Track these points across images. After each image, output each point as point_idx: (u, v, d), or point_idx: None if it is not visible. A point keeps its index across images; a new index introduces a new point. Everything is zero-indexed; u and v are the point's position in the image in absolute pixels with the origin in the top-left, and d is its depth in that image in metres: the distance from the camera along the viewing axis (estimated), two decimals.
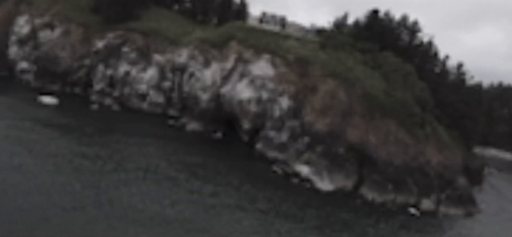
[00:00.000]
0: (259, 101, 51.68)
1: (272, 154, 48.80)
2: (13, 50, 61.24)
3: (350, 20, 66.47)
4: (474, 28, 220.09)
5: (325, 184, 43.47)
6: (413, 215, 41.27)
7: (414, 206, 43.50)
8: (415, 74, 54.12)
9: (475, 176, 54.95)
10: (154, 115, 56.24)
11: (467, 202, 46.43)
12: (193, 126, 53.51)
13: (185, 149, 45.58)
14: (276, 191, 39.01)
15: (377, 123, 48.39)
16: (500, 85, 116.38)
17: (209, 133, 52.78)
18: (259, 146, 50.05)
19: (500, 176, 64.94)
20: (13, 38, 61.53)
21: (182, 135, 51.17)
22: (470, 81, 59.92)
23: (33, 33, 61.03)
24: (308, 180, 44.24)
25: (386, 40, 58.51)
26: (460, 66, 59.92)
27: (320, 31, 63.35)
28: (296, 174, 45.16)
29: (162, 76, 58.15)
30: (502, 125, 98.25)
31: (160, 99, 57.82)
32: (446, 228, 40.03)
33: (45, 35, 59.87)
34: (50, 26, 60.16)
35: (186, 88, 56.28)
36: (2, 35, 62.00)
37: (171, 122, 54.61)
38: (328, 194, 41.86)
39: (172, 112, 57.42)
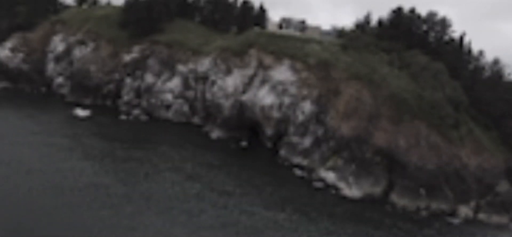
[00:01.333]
0: (281, 106, 48.64)
1: (296, 159, 45.50)
2: (50, 67, 62.53)
3: (374, 19, 61.90)
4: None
5: (352, 191, 39.50)
6: (450, 223, 36.25)
7: (450, 214, 38.40)
8: (446, 72, 48.70)
9: None
10: (179, 124, 54.87)
11: (511, 209, 40.49)
12: (216, 134, 51.36)
13: (211, 155, 43.77)
14: (302, 197, 35.77)
15: (406, 125, 43.68)
16: None
17: (234, 141, 50.42)
18: (282, 152, 46.92)
19: None
20: (50, 55, 62.86)
21: (207, 143, 49.24)
22: (508, 77, 53.21)
23: (68, 50, 61.95)
24: (334, 186, 40.46)
25: (412, 38, 53.47)
26: (496, 61, 53.45)
27: (341, 33, 59.30)
28: (321, 180, 41.53)
29: (186, 85, 56.67)
30: None
31: (184, 108, 56.32)
32: (488, 233, 34.75)
33: (78, 51, 60.47)
34: (82, 43, 60.70)
35: (208, 96, 54.39)
36: (41, 53, 63.43)
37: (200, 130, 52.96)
38: (356, 200, 37.85)
39: (196, 120, 55.72)
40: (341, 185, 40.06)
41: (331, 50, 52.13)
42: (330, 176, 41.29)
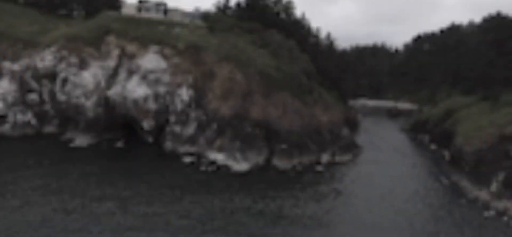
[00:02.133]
0: (157, 97, 43.86)
1: (182, 148, 42.67)
2: None
3: (232, 2, 63.57)
4: (335, 1, 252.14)
5: (241, 165, 40.49)
6: (317, 170, 42.81)
7: (317, 163, 45.28)
8: (297, 48, 55.73)
9: (353, 125, 62.23)
10: (24, 138, 41.20)
11: (353, 148, 51.53)
12: (81, 140, 41.58)
13: (80, 167, 34.86)
14: (193, 183, 33.96)
15: (275, 97, 47.85)
16: (357, 46, 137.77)
17: (107, 144, 42.11)
18: (168, 143, 42.94)
19: (367, 119, 76.73)
20: None
21: (68, 154, 39.10)
22: (338, 47, 66.16)
23: None
24: (225, 166, 40.36)
25: (267, 19, 58.13)
26: (328, 36, 65.36)
27: (206, 15, 58.14)
28: (213, 163, 40.64)
29: (23, 88, 42.64)
30: (364, 79, 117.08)
31: (27, 117, 42.57)
32: (345, 172, 43.34)
33: None
34: None
35: (61, 97, 42.97)
36: None
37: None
38: (245, 173, 39.10)
39: (50, 129, 43.29)
40: (231, 162, 40.40)
41: (199, 33, 50.43)
42: (219, 157, 40.87)
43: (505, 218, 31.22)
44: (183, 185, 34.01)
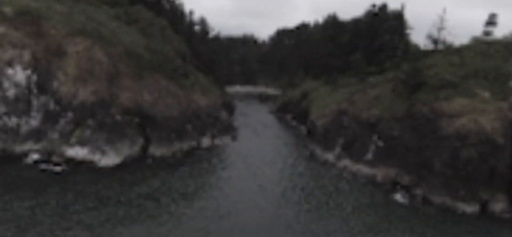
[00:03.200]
0: None
1: (22, 147, 32.13)
2: None
3: None
4: None
5: (110, 159, 34.27)
6: (197, 153, 41.61)
7: (197, 148, 43.89)
8: (170, 28, 51.64)
9: (230, 109, 63.81)
10: None
11: (231, 130, 52.76)
12: None
13: None
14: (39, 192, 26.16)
15: (148, 80, 42.81)
16: (229, 36, 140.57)
17: None
18: None
19: (241, 104, 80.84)
20: None
21: None
22: (211, 33, 65.50)
23: None
24: (88, 161, 33.12)
25: None
26: (202, 20, 63.67)
27: None
28: (70, 159, 32.58)
29: None
30: (236, 67, 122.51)
31: None
32: (224, 152, 43.85)
33: None
34: None
35: None
36: None
37: None
38: (115, 167, 33.45)
39: None
40: (96, 157, 33.49)
41: None
42: (79, 152, 33.14)
43: (345, 174, 38.99)
44: (18, 186, 25.51)
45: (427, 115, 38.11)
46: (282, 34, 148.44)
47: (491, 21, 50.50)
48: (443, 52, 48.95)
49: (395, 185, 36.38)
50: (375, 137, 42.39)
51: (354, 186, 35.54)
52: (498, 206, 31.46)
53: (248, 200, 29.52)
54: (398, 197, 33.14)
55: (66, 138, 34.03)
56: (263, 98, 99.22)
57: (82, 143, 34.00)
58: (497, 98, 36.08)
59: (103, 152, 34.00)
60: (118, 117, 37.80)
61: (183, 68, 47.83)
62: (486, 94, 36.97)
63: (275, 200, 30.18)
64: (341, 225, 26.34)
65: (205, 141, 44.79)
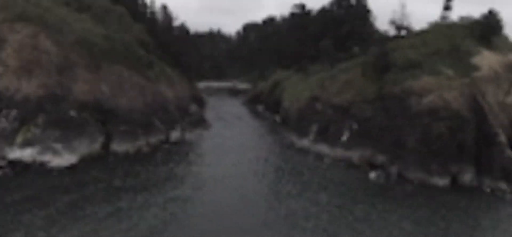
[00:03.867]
0: None
1: None
2: None
3: None
4: None
5: (64, 159, 30.06)
6: (166, 148, 38.46)
7: (165, 141, 40.62)
8: (129, 15, 47.34)
9: (201, 102, 60.81)
10: None
11: (202, 122, 49.86)
12: None
13: None
14: None
15: (107, 71, 38.65)
16: (196, 32, 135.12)
17: None
18: None
19: (212, 98, 76.64)
20: None
21: None
22: (175, 22, 61.65)
23: None
24: (37, 162, 28.66)
25: None
26: (165, 7, 59.57)
27: None
28: (16, 163, 27.94)
29: None
30: (205, 63, 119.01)
31: None
32: (196, 145, 41.04)
33: None
34: None
35: None
36: None
37: None
38: (70, 167, 29.40)
39: None
40: (47, 157, 29.15)
41: None
42: (27, 153, 28.59)
43: (322, 158, 38.24)
44: None
45: (397, 95, 38.50)
46: (249, 29, 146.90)
47: (447, 6, 52.86)
48: (405, 36, 50.18)
49: (371, 165, 36.24)
50: (348, 121, 42.19)
51: (330, 168, 34.91)
52: (466, 177, 32.31)
53: (223, 189, 27.26)
54: (373, 175, 32.94)
55: (9, 139, 29.16)
56: (233, 92, 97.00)
57: (29, 143, 29.40)
58: (460, 75, 37.30)
59: (55, 152, 29.70)
60: (73, 113, 33.46)
61: (147, 58, 44.02)
62: (450, 72, 38.12)
63: (252, 186, 28.30)
64: (316, 202, 25.24)
65: (175, 135, 41.57)
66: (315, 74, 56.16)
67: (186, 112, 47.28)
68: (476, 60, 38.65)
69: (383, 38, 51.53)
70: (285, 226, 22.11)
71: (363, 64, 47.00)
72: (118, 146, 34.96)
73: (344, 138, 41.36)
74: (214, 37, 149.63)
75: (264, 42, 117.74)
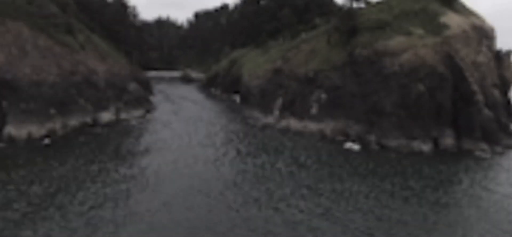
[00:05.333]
0: None
1: None
2: None
3: None
4: None
5: None
6: (92, 132, 28.83)
7: (92, 125, 30.83)
8: None
9: (145, 84, 51.32)
10: None
11: (144, 102, 40.54)
12: None
13: None
14: None
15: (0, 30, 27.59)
16: (145, 21, 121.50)
17: None
18: None
19: (161, 85, 67.55)
20: None
21: None
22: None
23: None
24: None
25: None
26: None
27: None
28: None
29: None
30: (154, 52, 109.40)
31: None
32: (133, 125, 31.74)
33: None
34: None
35: None
36: None
37: None
38: None
39: None
40: None
41: None
42: None
43: (290, 133, 32.25)
44: None
45: (369, 57, 34.15)
46: (201, 17, 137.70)
47: None
48: (369, 4, 46.64)
49: (346, 136, 31.23)
50: (317, 92, 36.94)
51: (301, 142, 29.03)
52: (448, 141, 28.91)
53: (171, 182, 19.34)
54: (349, 146, 27.89)
55: None
56: (186, 80, 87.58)
57: None
58: (432, 34, 34.21)
59: None
60: None
61: (64, 20, 33.32)
62: (420, 31, 34.87)
63: (209, 168, 20.83)
64: (293, 178, 18.89)
65: (106, 116, 31.99)
66: (275, 48, 50.28)
67: (123, 91, 37.60)
68: (445, 19, 36.03)
69: (346, 8, 47.46)
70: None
71: (327, 32, 42.31)
72: (17, 129, 24.61)
73: (314, 110, 36.06)
74: (162, 25, 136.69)
75: (217, 27, 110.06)
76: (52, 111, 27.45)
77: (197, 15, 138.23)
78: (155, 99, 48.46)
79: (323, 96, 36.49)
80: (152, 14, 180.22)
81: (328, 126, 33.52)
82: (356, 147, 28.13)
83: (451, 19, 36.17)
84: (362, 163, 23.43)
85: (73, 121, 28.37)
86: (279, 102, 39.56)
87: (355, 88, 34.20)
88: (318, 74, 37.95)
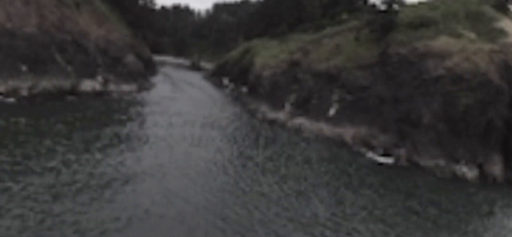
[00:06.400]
0: None
1: None
2: None
3: None
4: None
5: None
6: (69, 101, 24.11)
7: (71, 92, 26.18)
8: None
9: (148, 62, 47.05)
10: None
11: (139, 78, 35.86)
12: None
13: None
14: None
15: None
16: (163, 7, 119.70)
17: None
18: None
19: (168, 69, 64.55)
20: None
21: None
22: None
23: None
24: None
25: None
26: None
27: None
28: None
29: None
30: (167, 37, 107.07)
31: None
32: (120, 99, 26.89)
33: None
34: None
35: None
36: None
37: None
38: None
39: None
40: None
41: None
42: None
43: (302, 134, 26.85)
44: None
45: (406, 57, 28.42)
46: (219, 8, 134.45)
47: None
48: (411, 5, 40.60)
49: (368, 146, 25.64)
50: (338, 91, 31.48)
51: (316, 146, 23.58)
52: (495, 169, 22.94)
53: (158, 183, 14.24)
54: (375, 157, 22.36)
55: None
56: (195, 67, 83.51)
57: None
58: (485, 39, 28.21)
59: None
60: None
61: None
62: (472, 35, 28.89)
63: (207, 168, 15.63)
64: (314, 191, 13.45)
65: (89, 85, 27.37)
66: (295, 40, 44.97)
67: (117, 61, 32.97)
68: (502, 25, 30.00)
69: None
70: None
71: (356, 27, 36.89)
72: None
73: (332, 111, 30.64)
74: (180, 12, 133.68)
75: (235, 20, 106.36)
76: (24, 67, 22.88)
77: (217, 6, 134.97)
78: (156, 79, 43.91)
79: (345, 96, 31.03)
80: (172, 0, 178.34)
81: (348, 132, 28.04)
82: (382, 159, 22.54)
83: (509, 26, 30.06)
84: (393, 181, 17.82)
85: (46, 84, 23.77)
86: (292, 97, 34.25)
87: (385, 91, 28.64)
88: (342, 71, 32.58)
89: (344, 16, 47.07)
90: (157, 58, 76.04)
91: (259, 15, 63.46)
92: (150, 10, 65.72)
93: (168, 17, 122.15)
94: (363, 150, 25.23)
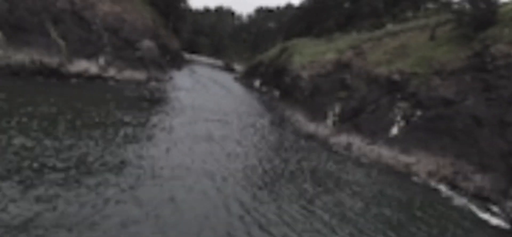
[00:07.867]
0: None
1: None
2: None
3: None
4: None
5: None
6: (39, 82, 18.62)
7: (56, 71, 20.90)
8: None
9: (174, 54, 42.43)
10: None
11: (152, 68, 30.27)
12: None
13: None
14: None
15: None
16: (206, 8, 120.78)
17: None
18: None
19: (199, 67, 59.65)
20: None
21: None
22: None
23: None
24: None
25: None
26: None
27: None
28: None
29: None
30: (205, 38, 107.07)
31: None
32: (117, 87, 20.93)
33: None
34: None
35: None
36: None
37: None
38: None
39: None
40: None
41: None
42: None
43: (350, 158, 18.53)
44: None
45: None
46: (262, 12, 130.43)
47: None
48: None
49: (450, 184, 16.78)
50: (402, 104, 22.98)
51: (373, 178, 15.11)
52: None
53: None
54: (466, 203, 13.58)
55: None
56: (228, 68, 78.83)
57: None
58: None
59: None
60: None
61: None
62: None
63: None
64: None
65: (83, 65, 22.05)
66: (342, 39, 36.71)
67: (129, 45, 27.62)
68: None
69: None
70: None
71: (435, 24, 27.92)
72: None
73: (394, 130, 22.23)
74: (221, 14, 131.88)
75: (276, 25, 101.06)
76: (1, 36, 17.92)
77: (259, 11, 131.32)
78: (178, 73, 38.51)
79: (414, 112, 22.42)
80: (215, 2, 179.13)
81: (419, 162, 19.37)
82: (485, 216, 13.56)
83: None
84: None
85: (23, 57, 18.56)
86: (337, 107, 26.10)
87: (482, 109, 19.54)
88: (410, 78, 24.07)
89: (410, 14, 37.73)
90: (188, 56, 72.79)
91: (302, 12, 56.01)
92: (182, 11, 62.04)
93: (209, 17, 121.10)
94: (449, 192, 16.28)
